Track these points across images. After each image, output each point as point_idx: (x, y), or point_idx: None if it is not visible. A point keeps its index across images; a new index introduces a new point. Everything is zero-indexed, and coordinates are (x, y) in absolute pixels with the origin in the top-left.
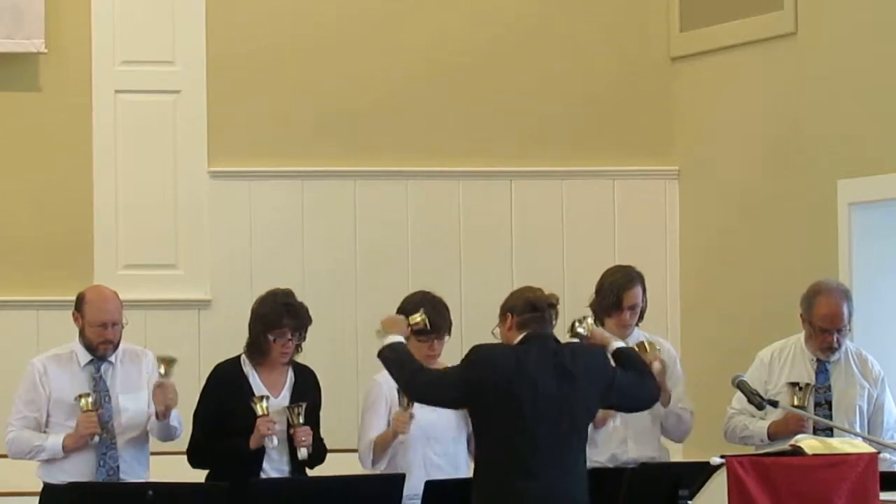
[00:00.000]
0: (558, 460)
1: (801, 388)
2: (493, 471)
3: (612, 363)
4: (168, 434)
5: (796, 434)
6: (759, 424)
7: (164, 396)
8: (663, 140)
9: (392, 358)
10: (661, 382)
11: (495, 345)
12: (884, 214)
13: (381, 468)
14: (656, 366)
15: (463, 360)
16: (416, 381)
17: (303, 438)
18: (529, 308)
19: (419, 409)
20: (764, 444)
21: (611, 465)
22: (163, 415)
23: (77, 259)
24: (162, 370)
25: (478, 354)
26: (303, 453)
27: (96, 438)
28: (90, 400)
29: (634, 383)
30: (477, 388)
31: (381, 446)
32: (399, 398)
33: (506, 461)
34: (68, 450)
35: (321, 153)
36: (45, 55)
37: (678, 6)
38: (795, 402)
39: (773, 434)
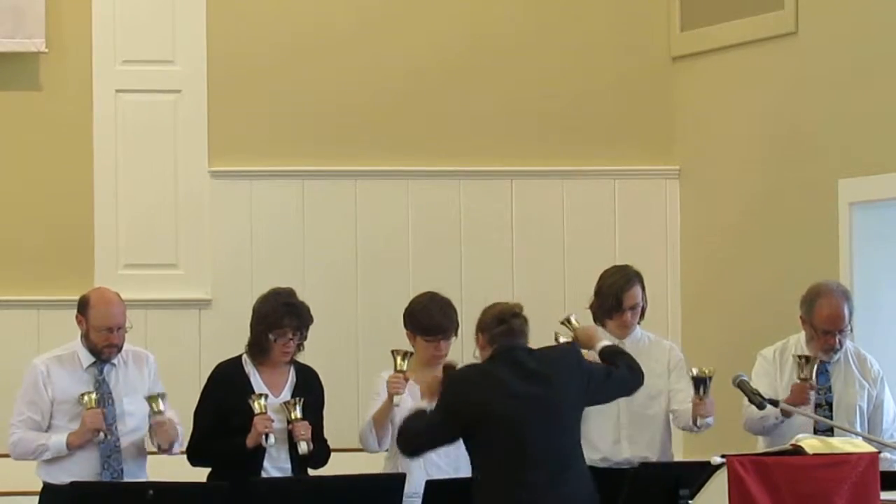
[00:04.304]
0: (552, 463)
1: (807, 361)
2: (491, 487)
3: (583, 360)
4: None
5: (803, 405)
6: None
7: (165, 434)
8: (663, 140)
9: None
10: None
11: (464, 369)
12: (884, 214)
13: (385, 447)
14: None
15: (440, 396)
16: (408, 439)
17: (302, 432)
18: (495, 323)
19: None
20: (780, 421)
21: (602, 466)
22: (167, 450)
23: (77, 258)
24: (155, 408)
25: (450, 384)
26: (303, 447)
27: (101, 436)
28: (94, 397)
29: (614, 377)
30: (460, 416)
31: (380, 421)
32: (395, 363)
33: (502, 476)
34: (72, 447)
35: (321, 153)
36: (45, 54)
37: (678, 6)
38: (803, 375)
39: (785, 408)
